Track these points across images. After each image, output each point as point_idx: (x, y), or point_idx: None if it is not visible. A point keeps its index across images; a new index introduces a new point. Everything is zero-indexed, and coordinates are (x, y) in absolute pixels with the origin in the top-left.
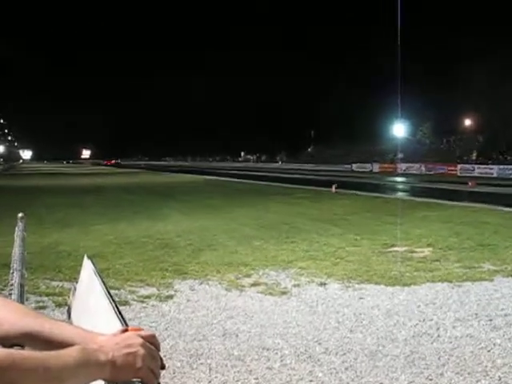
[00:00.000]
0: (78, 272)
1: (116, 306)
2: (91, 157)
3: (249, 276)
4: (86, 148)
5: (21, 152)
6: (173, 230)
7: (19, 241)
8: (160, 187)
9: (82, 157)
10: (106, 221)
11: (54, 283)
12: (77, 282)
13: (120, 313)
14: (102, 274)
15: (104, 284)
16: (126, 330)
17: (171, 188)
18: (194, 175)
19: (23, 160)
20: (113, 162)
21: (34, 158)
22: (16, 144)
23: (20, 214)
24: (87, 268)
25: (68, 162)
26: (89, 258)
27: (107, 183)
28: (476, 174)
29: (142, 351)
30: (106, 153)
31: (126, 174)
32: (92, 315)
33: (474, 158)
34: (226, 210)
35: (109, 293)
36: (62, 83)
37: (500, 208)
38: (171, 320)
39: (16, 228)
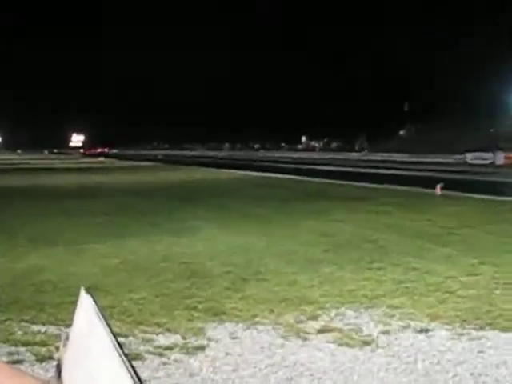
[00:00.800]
0: (71, 312)
1: (128, 361)
2: (85, 144)
3: (315, 318)
4: (77, 132)
5: None
6: (204, 250)
7: None
8: (185, 188)
9: (72, 144)
10: (107, 237)
11: (35, 327)
12: (69, 327)
13: (135, 371)
14: (104, 314)
15: (111, 331)
16: None
17: (201, 189)
18: (233, 170)
19: None
20: (98, 150)
21: (1, 146)
22: None
23: None
24: (85, 307)
25: (52, 152)
26: (87, 292)
27: (108, 182)
28: None
29: None
30: (107, 139)
31: (136, 170)
32: (92, 375)
33: None
34: (280, 221)
35: (118, 343)
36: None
37: None
38: (203, 383)
39: None
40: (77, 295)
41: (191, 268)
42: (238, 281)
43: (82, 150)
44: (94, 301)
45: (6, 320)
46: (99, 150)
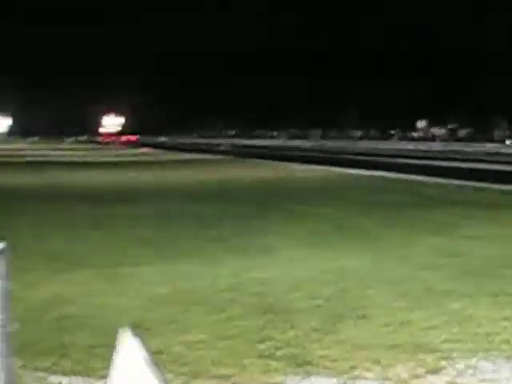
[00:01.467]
0: (105, 359)
1: None
2: (125, 130)
3: (437, 372)
4: (111, 112)
5: None
6: (283, 276)
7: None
8: (257, 191)
9: (103, 130)
10: (153, 257)
11: (54, 379)
12: (103, 380)
13: None
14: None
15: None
16: None
17: (280, 193)
18: (324, 167)
19: None
20: (123, 139)
21: (13, 132)
22: None
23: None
24: (129, 352)
25: (78, 141)
26: (132, 332)
27: (154, 182)
28: None
29: None
30: (152, 124)
31: (191, 165)
32: None
33: None
34: (390, 236)
35: None
36: None
37: None
38: None
39: None
40: (112, 335)
41: (267, 301)
42: (331, 319)
43: (101, 138)
44: (142, 344)
45: (17, 368)
46: (124, 139)
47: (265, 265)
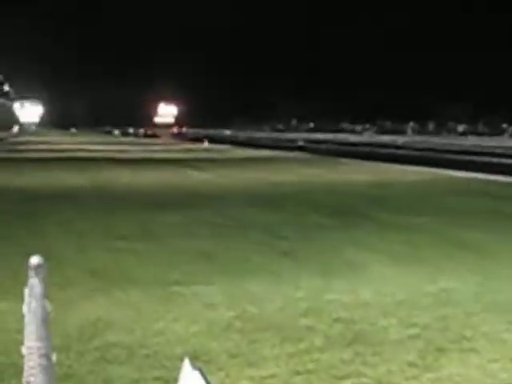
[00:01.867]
0: None
1: None
2: (179, 120)
3: None
4: (166, 101)
5: (17, 107)
6: (372, 300)
7: (36, 321)
8: (338, 195)
9: (159, 120)
10: (211, 273)
11: None
12: None
13: None
14: None
15: None
16: None
17: (366, 198)
18: (421, 168)
19: (22, 125)
20: (174, 131)
21: (46, 122)
22: (8, 89)
23: (35, 260)
24: None
25: (125, 134)
26: (192, 365)
27: (215, 183)
28: None
29: None
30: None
31: (258, 163)
32: None
33: None
34: (497, 254)
35: None
36: None
37: None
38: None
39: (26, 291)
40: (166, 368)
41: (352, 329)
42: (430, 352)
43: (142, 129)
44: (205, 378)
45: None
46: (175, 130)
47: (349, 285)
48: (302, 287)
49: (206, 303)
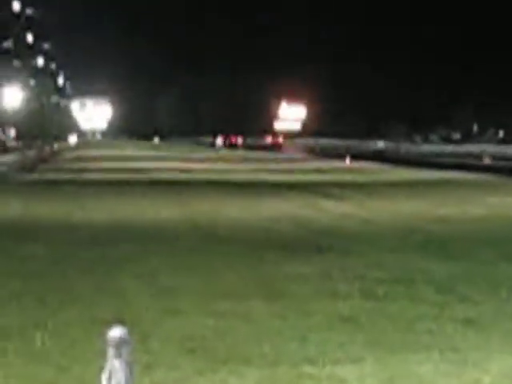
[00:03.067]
0: None
1: None
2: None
3: None
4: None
5: (76, 108)
6: None
7: None
8: None
9: (280, 126)
10: (359, 347)
11: None
12: None
13: None
14: None
15: None
16: None
17: None
18: None
19: (81, 134)
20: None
21: (117, 130)
22: (63, 85)
23: (116, 333)
24: None
25: (231, 145)
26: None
27: (358, 218)
28: None
29: None
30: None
31: (423, 188)
32: None
33: None
34: None
35: None
36: None
37: None
38: None
39: (103, 378)
40: None
41: None
42: None
43: (220, 140)
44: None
45: None
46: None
47: None
48: (491, 367)
49: None
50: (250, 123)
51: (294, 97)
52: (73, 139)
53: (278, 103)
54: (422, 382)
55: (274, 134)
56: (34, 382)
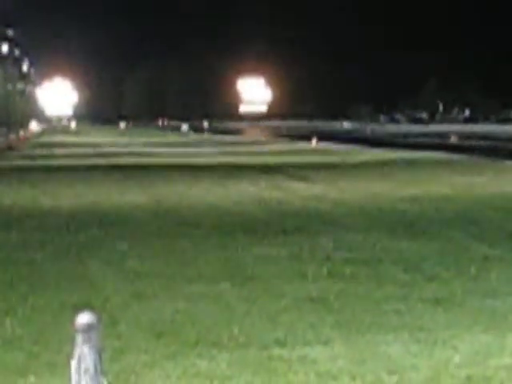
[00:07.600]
0: None
1: None
2: (272, 112)
3: None
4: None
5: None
6: None
7: None
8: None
9: (245, 109)
10: (328, 329)
11: None
12: None
13: None
14: None
15: None
16: None
17: None
18: None
19: (48, 120)
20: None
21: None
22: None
23: (84, 318)
24: None
25: (197, 130)
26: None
27: (329, 200)
28: None
29: None
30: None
31: (392, 168)
32: None
33: None
34: None
35: None
36: None
37: None
38: None
39: (73, 364)
40: None
41: None
42: None
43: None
44: None
45: None
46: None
47: None
48: (459, 348)
49: (322, 372)
50: (216, 107)
51: (256, 72)
52: (34, 126)
53: (241, 81)
54: (393, 362)
55: (240, 117)
56: (5, 368)
